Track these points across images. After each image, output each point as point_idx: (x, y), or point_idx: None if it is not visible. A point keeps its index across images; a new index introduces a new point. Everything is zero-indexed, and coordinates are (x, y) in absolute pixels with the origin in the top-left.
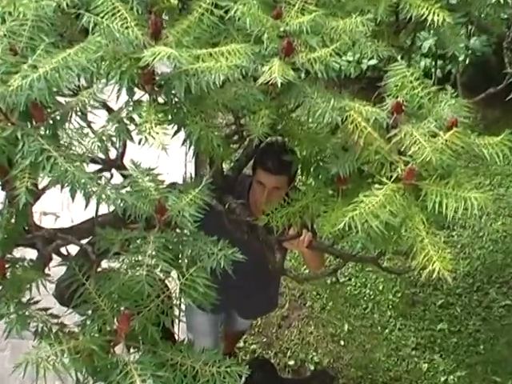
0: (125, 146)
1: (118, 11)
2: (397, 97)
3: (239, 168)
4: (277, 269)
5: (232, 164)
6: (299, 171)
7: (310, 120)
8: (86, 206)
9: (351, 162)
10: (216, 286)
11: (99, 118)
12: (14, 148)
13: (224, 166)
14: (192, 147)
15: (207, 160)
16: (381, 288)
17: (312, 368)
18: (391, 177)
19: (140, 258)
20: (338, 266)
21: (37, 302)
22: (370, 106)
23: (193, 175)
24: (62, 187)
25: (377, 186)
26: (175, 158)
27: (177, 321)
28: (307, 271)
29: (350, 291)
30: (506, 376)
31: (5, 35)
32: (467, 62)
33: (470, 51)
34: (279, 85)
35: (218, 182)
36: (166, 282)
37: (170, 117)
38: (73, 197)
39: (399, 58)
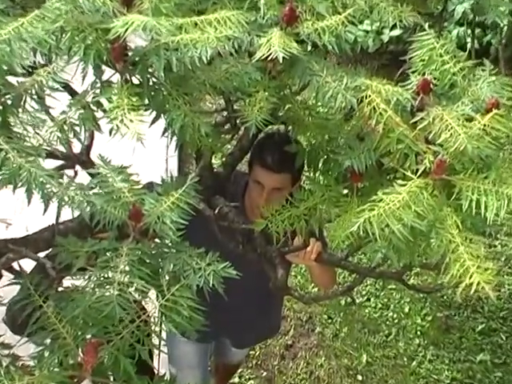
0: (92, 137)
1: None
2: (424, 74)
3: (232, 164)
4: (279, 287)
5: (224, 159)
6: (305, 166)
7: (319, 103)
8: (45, 211)
9: (368, 154)
10: (204, 308)
11: (59, 102)
12: None
13: (214, 161)
14: (174, 138)
15: (193, 154)
16: (407, 310)
17: None
18: (417, 170)
19: (110, 274)
20: (354, 284)
21: None
22: (391, 85)
23: (175, 173)
24: (15, 187)
25: (400, 181)
26: (154, 152)
27: (156, 351)
28: (316, 290)
29: (369, 314)
30: None
31: None
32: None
33: None
34: (280, 60)
35: (206, 181)
36: (143, 303)
37: (146, 101)
38: (28, 199)
39: (427, 26)
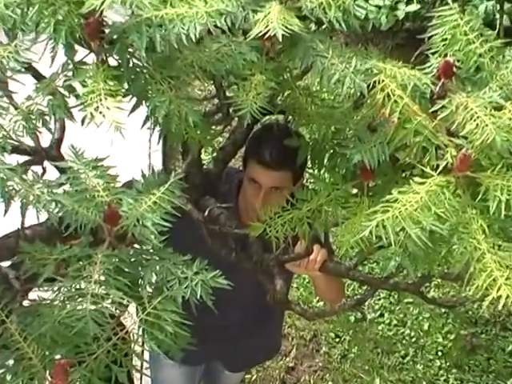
0: (63, 127)
1: None
2: (445, 55)
3: (224, 160)
4: (278, 301)
5: (214, 154)
6: (308, 162)
7: (324, 89)
8: (6, 212)
9: (381, 147)
10: (191, 323)
11: (25, 87)
12: None
13: (203, 156)
14: (157, 129)
15: (179, 148)
16: (426, 327)
17: None
18: (437, 166)
19: (83, 285)
20: (365, 297)
21: None
22: (407, 69)
23: (159, 169)
24: None
25: (417, 179)
26: (135, 146)
27: (137, 374)
28: (321, 304)
29: (383, 332)
30: None
31: None
32: None
33: None
34: (279, 39)
35: (194, 179)
36: (121, 318)
37: (125, 85)
38: None
39: (450, 0)
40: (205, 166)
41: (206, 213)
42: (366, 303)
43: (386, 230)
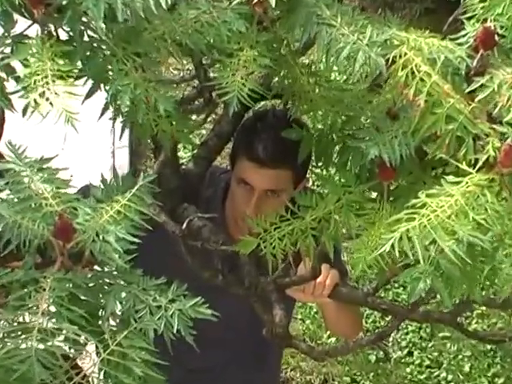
0: (1, 119)
1: None
2: (485, 20)
3: (207, 157)
4: (278, 335)
5: (195, 151)
6: (313, 159)
7: (331, 67)
8: None
9: (404, 138)
10: (166, 363)
11: None
12: None
13: (182, 153)
14: (121, 119)
15: (150, 144)
16: (467, 369)
17: None
18: (476, 162)
19: (28, 317)
20: (388, 330)
21: None
22: (437, 39)
23: (123, 170)
24: None
25: (451, 178)
26: (92, 141)
27: None
28: (333, 340)
29: (412, 375)
30: None
31: None
32: None
33: None
34: (273, 4)
35: (169, 183)
36: (77, 360)
37: (79, 64)
38: None
39: None
40: (183, 166)
41: (185, 224)
42: (390, 338)
43: (413, 244)
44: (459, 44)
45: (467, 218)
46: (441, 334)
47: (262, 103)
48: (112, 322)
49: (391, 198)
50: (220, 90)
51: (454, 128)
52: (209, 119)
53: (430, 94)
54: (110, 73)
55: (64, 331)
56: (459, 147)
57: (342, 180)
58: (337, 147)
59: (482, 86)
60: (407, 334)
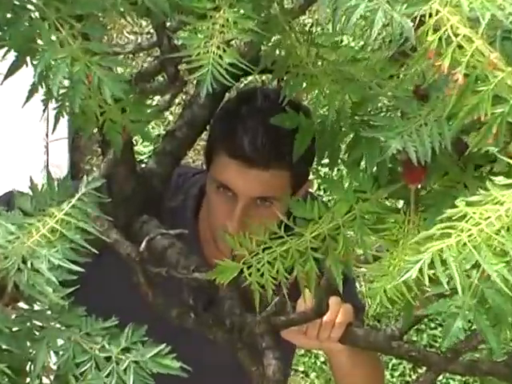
0: None
1: None
2: None
3: (174, 153)
4: None
5: (157, 146)
6: (315, 156)
7: (339, 31)
8: None
9: (437, 126)
10: None
11: None
12: None
13: (140, 147)
14: (54, 105)
15: (96, 136)
16: None
17: None
18: None
19: None
20: None
21: None
22: None
23: (60, 172)
24: None
25: (500, 179)
26: (19, 133)
27: None
28: None
29: None
30: None
31: None
32: None
33: None
34: None
35: (122, 188)
36: None
37: None
38: None
39: None
40: (142, 165)
41: (143, 244)
42: None
43: (448, 268)
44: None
45: None
46: None
47: (249, 79)
48: (45, 380)
49: (420, 208)
50: (189, 63)
51: (503, 112)
52: (176, 101)
53: (472, 66)
54: (40, 42)
55: None
56: (511, 138)
57: (354, 183)
58: (346, 139)
59: None
60: None
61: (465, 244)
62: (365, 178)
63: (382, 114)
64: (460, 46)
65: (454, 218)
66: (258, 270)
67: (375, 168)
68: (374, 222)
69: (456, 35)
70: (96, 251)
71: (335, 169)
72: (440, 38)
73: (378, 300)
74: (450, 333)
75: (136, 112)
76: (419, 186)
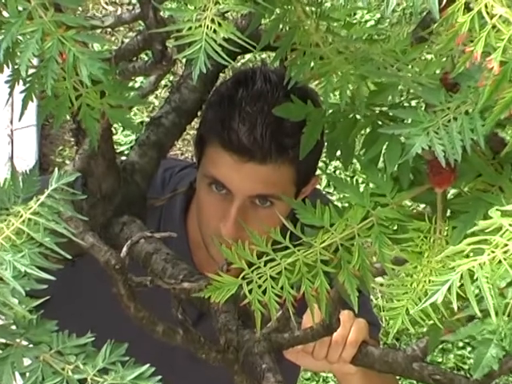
0: None
1: None
2: None
3: (160, 143)
4: None
5: (140, 135)
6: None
7: (352, 6)
8: None
9: (468, 121)
10: None
11: None
12: None
13: (120, 137)
14: (21, 89)
15: (71, 125)
16: None
17: None
18: None
19: None
20: None
21: None
22: None
23: (27, 164)
24: None
25: None
26: None
27: None
28: None
29: None
30: None
31: None
32: None
33: None
34: None
35: (99, 183)
36: None
37: None
38: None
39: None
40: (122, 157)
41: (125, 250)
42: None
43: (480, 287)
44: None
45: None
46: None
47: (247, 58)
48: None
49: (448, 214)
50: (179, 38)
51: None
52: (162, 83)
53: (510, 52)
54: (5, 14)
55: None
56: None
57: (371, 185)
58: (362, 133)
59: None
60: None
61: (499, 262)
62: (383, 179)
63: (404, 106)
64: (495, 28)
65: (487, 231)
66: (259, 286)
67: (396, 168)
68: (395, 231)
69: (491, 16)
70: (69, 256)
71: (349, 167)
72: (472, 19)
73: (399, 321)
74: (481, 362)
75: (116, 96)
76: (448, 190)
